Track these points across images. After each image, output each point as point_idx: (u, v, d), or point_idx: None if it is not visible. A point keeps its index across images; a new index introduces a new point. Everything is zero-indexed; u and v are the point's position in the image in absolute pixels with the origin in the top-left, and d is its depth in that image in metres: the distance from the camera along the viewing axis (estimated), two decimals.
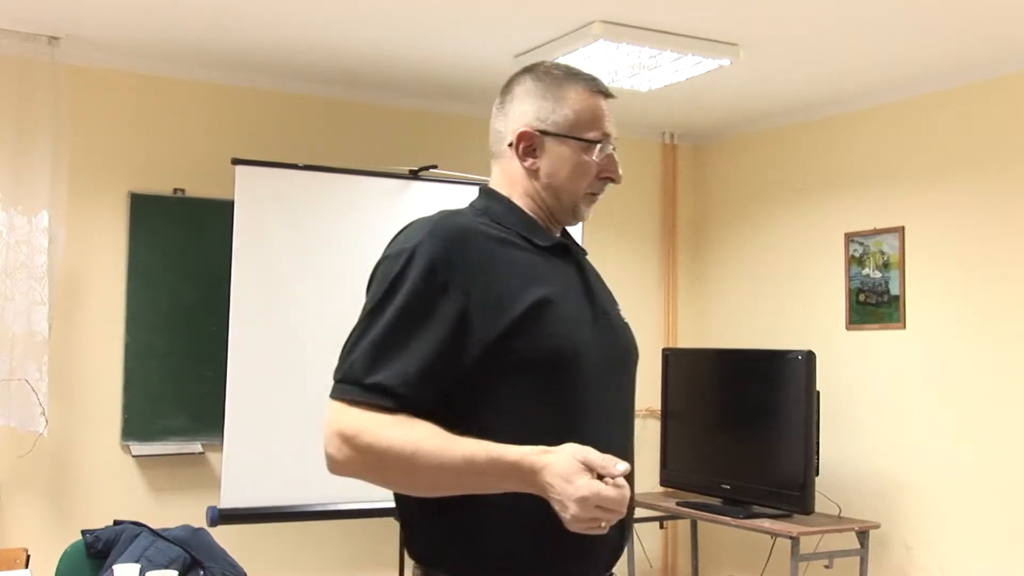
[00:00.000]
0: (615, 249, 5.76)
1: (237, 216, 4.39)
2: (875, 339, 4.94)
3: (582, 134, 1.83)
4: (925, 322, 4.72)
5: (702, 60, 4.23)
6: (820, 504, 4.70)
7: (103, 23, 4.13)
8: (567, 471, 1.52)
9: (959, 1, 3.67)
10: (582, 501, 1.50)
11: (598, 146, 1.84)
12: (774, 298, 5.49)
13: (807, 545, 4.66)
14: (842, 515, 4.81)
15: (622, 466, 1.53)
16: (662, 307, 5.91)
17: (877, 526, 4.69)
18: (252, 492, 4.36)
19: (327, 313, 4.53)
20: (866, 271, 4.98)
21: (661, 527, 5.71)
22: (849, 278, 5.06)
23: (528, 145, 1.84)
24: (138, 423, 4.58)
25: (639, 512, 5.40)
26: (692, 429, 5.37)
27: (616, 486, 1.51)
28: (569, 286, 1.84)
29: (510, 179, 1.88)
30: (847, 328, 5.07)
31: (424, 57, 4.48)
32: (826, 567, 4.65)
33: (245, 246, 4.40)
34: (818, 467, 4.67)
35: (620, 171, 1.90)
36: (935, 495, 4.59)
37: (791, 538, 4.49)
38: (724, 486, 5.01)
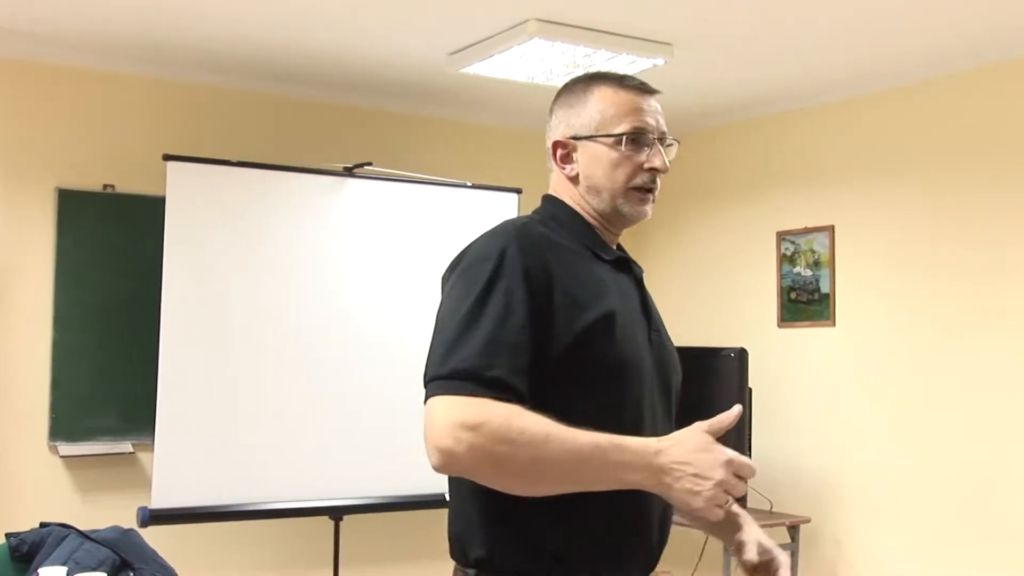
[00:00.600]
0: None
1: (169, 213, 4.33)
2: (806, 336, 5.01)
3: (609, 130, 1.85)
4: (854, 320, 4.80)
5: (636, 59, 4.25)
6: (752, 499, 4.76)
7: (30, 14, 4.05)
8: (703, 442, 1.60)
9: (884, 6, 3.73)
10: (728, 464, 1.57)
11: (625, 138, 1.85)
12: (707, 296, 5.55)
13: None
14: (774, 510, 4.88)
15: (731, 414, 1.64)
16: None
17: (808, 521, 4.76)
18: (184, 492, 4.31)
19: (262, 311, 4.49)
20: (797, 269, 5.05)
21: None
22: (781, 276, 5.13)
23: (563, 153, 1.90)
24: (66, 423, 4.50)
25: None
26: None
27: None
28: (630, 301, 1.87)
29: (561, 189, 1.93)
30: (779, 326, 5.14)
31: (359, 54, 4.45)
32: None
33: (177, 243, 4.34)
34: None
35: (665, 160, 1.90)
36: (865, 490, 4.66)
37: None
38: None
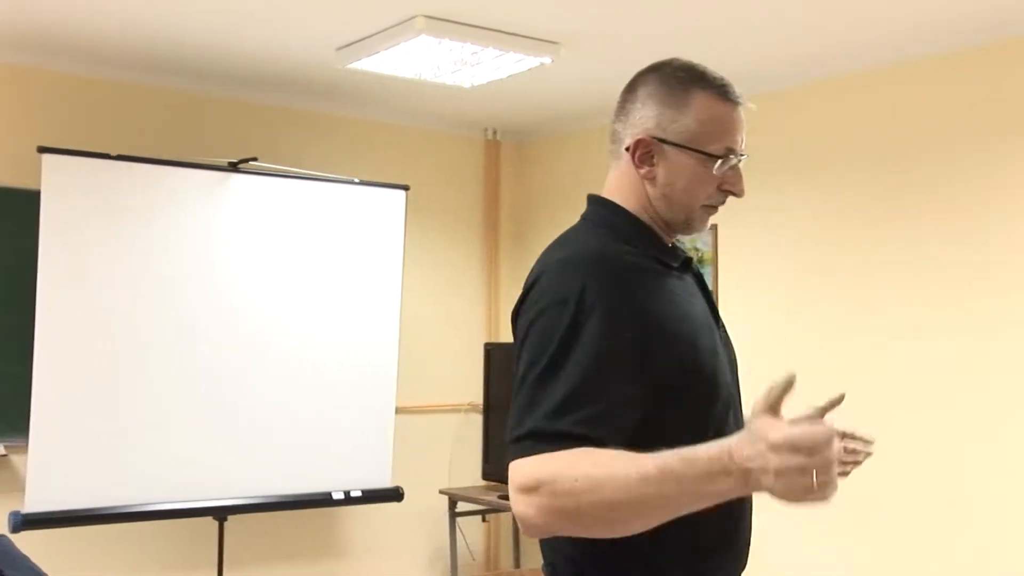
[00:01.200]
0: (437, 244, 5.77)
1: (44, 207, 4.20)
2: None
3: (704, 146, 1.74)
4: (737, 317, 4.89)
5: (524, 58, 4.28)
6: None
7: None
8: (767, 425, 1.39)
9: (765, 9, 3.82)
10: (786, 441, 1.35)
11: (719, 160, 1.74)
12: None
13: None
14: None
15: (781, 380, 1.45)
16: (484, 302, 5.96)
17: None
18: (60, 495, 4.19)
19: (141, 309, 4.39)
20: None
21: (483, 520, 5.75)
22: None
23: (645, 152, 1.77)
24: None
25: (461, 507, 5.44)
26: None
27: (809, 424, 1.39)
28: (699, 308, 1.78)
29: (628, 185, 1.80)
30: None
31: (245, 47, 4.38)
32: None
33: (53, 239, 4.21)
34: None
35: (744, 185, 1.78)
36: None
37: None
38: None
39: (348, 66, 4.40)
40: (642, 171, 1.77)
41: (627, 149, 1.78)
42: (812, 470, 1.34)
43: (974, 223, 4.01)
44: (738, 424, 1.73)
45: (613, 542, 1.55)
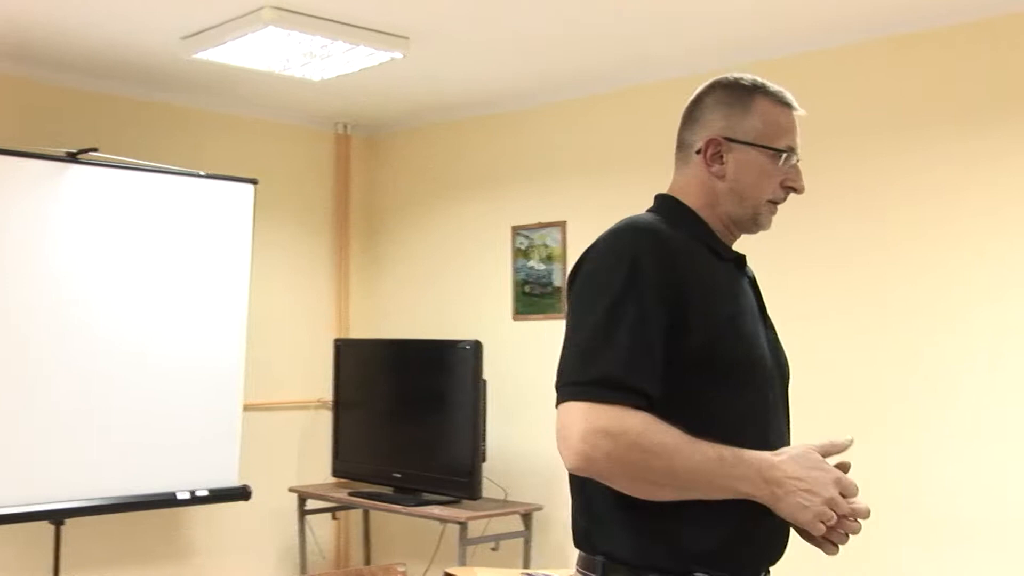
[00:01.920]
0: (286, 239, 5.69)
1: None
2: (539, 329, 5.15)
3: (769, 143, 1.90)
4: None
5: (374, 52, 4.25)
6: (488, 489, 4.86)
7: None
8: (815, 460, 1.72)
9: (612, 9, 3.88)
10: (837, 483, 1.69)
11: (783, 156, 1.90)
12: (444, 289, 5.61)
13: (475, 529, 4.80)
14: (508, 499, 5.00)
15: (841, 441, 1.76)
16: (334, 297, 5.90)
17: (540, 508, 4.90)
18: None
19: None
20: (531, 263, 5.19)
21: (333, 518, 5.70)
22: (515, 270, 5.26)
23: (716, 151, 1.91)
24: None
25: (311, 504, 5.38)
26: (364, 419, 5.40)
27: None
28: (747, 300, 1.93)
29: (694, 186, 1.95)
30: (513, 318, 5.26)
31: (87, 33, 4.23)
32: (493, 549, 4.81)
33: None
34: (485, 454, 4.83)
35: (803, 182, 1.94)
36: None
37: (459, 523, 4.61)
38: (395, 475, 5.08)
39: (193, 56, 4.29)
40: (713, 169, 1.92)
41: (698, 152, 1.94)
42: (835, 510, 1.68)
43: (855, 211, 4.16)
44: (778, 424, 1.89)
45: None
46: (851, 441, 1.77)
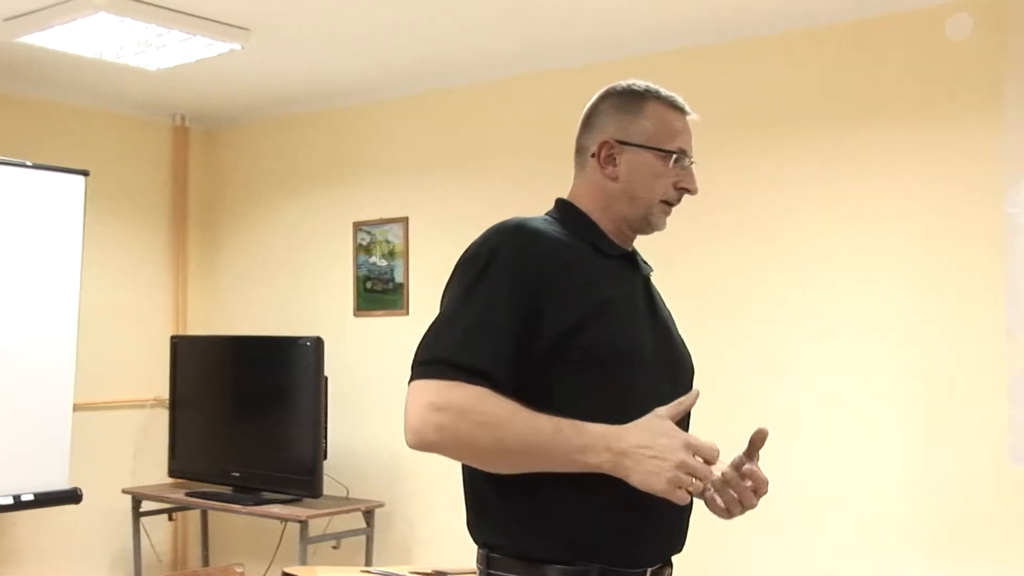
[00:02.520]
0: (121, 233, 5.52)
1: None
2: (380, 325, 5.13)
3: (660, 145, 1.95)
4: (425, 308, 4.96)
5: (212, 42, 4.16)
6: (329, 487, 4.81)
7: None
8: (662, 427, 1.71)
9: (453, 5, 3.90)
10: (687, 447, 1.68)
11: (674, 157, 1.95)
12: (285, 285, 5.53)
13: (316, 528, 4.75)
14: (350, 496, 4.96)
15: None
16: (171, 293, 5.74)
17: (382, 505, 4.88)
18: None
19: None
20: (373, 259, 5.16)
21: (170, 519, 5.55)
22: (357, 266, 5.22)
23: (609, 154, 1.96)
24: None
25: (146, 505, 5.23)
26: (202, 418, 5.27)
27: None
28: (631, 293, 1.96)
29: (589, 189, 2.00)
30: (355, 314, 5.23)
31: None
32: (334, 548, 4.77)
33: None
34: (326, 451, 4.78)
35: (696, 184, 1.99)
36: (434, 471, 4.84)
37: (300, 522, 4.56)
38: (235, 474, 4.98)
39: (17, 39, 4.11)
40: (606, 171, 1.97)
41: (593, 155, 1.98)
42: (694, 476, 1.68)
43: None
44: (658, 404, 1.85)
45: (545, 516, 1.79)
46: (697, 393, 1.81)
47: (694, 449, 1.69)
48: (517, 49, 4.44)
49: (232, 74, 4.86)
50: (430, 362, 1.76)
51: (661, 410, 1.74)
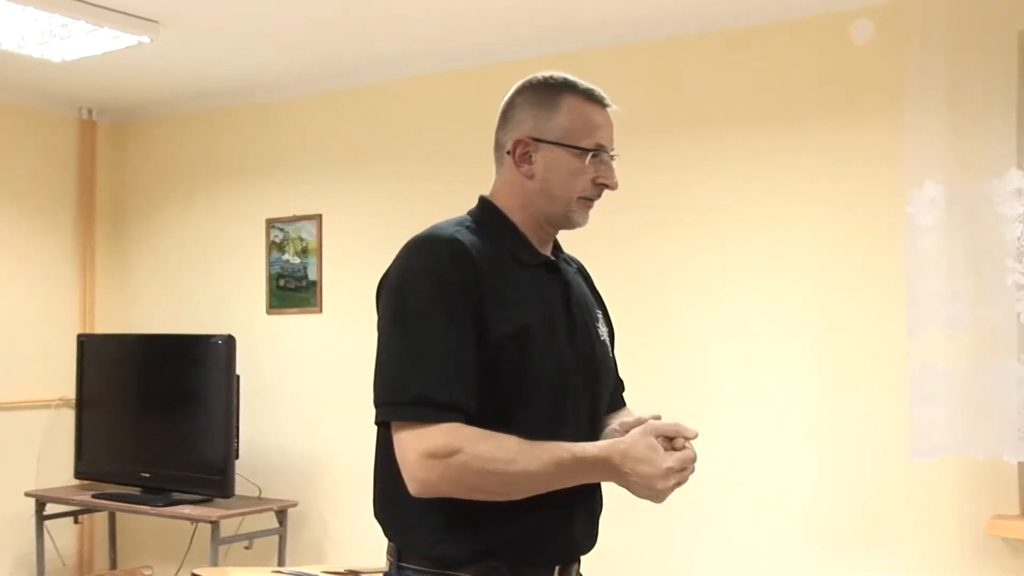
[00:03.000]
0: (24, 228, 5.38)
1: None
2: (293, 323, 5.08)
3: (575, 142, 1.91)
4: (339, 306, 4.95)
5: (120, 34, 4.07)
6: (241, 487, 4.76)
7: None
8: (649, 451, 1.76)
9: (367, 2, 3.89)
10: (669, 472, 1.75)
11: (590, 154, 1.91)
12: (196, 283, 5.45)
13: (228, 528, 4.69)
14: (262, 496, 4.91)
15: (690, 431, 1.81)
16: (78, 290, 5.62)
17: (295, 504, 4.84)
18: None
19: None
20: (286, 257, 5.11)
21: (76, 522, 5.43)
22: (270, 264, 5.17)
23: (524, 152, 1.92)
24: None
25: (51, 508, 5.11)
26: (110, 418, 5.17)
27: (686, 448, 1.80)
28: (550, 306, 1.92)
29: (508, 186, 1.96)
30: (267, 312, 5.17)
31: None
32: (246, 548, 4.71)
33: None
34: (238, 450, 4.73)
35: (616, 179, 1.95)
36: (348, 469, 4.83)
37: (211, 522, 4.50)
38: (144, 475, 4.90)
39: None
40: (522, 169, 1.93)
41: (508, 152, 1.94)
42: (680, 482, 1.78)
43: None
44: (577, 433, 1.88)
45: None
46: (695, 433, 1.84)
47: (681, 463, 1.78)
48: (430, 47, 4.43)
49: (141, 67, 4.77)
50: (411, 403, 1.74)
51: (653, 427, 1.81)
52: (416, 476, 1.73)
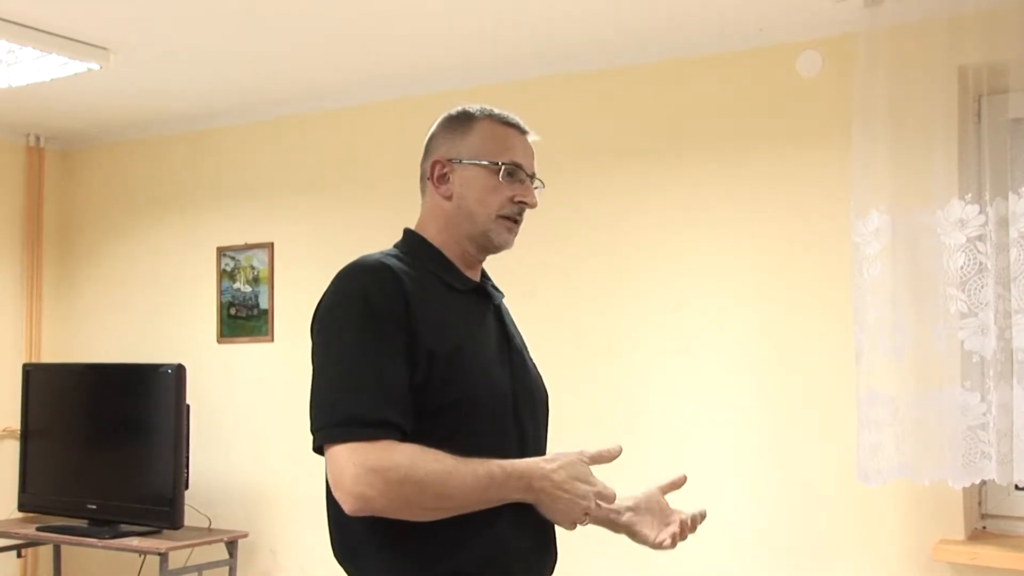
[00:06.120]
0: None
1: None
2: (244, 352, 5.05)
3: (488, 158, 1.97)
4: (291, 334, 4.92)
5: (69, 61, 4.04)
6: (191, 518, 4.70)
7: None
8: (582, 472, 1.86)
9: (318, 30, 3.89)
10: (597, 494, 1.85)
11: (504, 169, 1.96)
12: (146, 311, 5.40)
13: (177, 560, 4.63)
14: (212, 527, 4.85)
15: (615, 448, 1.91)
16: (23, 319, 5.54)
17: (245, 535, 4.79)
18: None
19: None
20: (237, 285, 5.08)
21: (19, 556, 5.33)
22: (221, 292, 5.13)
23: (441, 173, 1.99)
24: None
25: None
26: (56, 449, 5.09)
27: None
28: (481, 329, 1.97)
29: (429, 213, 2.03)
30: (218, 341, 5.13)
31: None
32: None
33: None
34: (188, 481, 4.67)
35: (535, 198, 2.01)
36: (297, 499, 4.79)
37: (159, 554, 4.44)
38: (90, 506, 4.82)
39: None
40: (441, 190, 2.00)
41: (428, 178, 2.02)
42: (587, 513, 1.86)
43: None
44: (522, 450, 1.95)
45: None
46: (619, 449, 1.94)
47: (600, 497, 1.86)
48: (379, 75, 4.44)
49: (90, 94, 4.74)
50: (344, 423, 1.75)
51: (585, 454, 1.88)
52: (353, 492, 1.72)
